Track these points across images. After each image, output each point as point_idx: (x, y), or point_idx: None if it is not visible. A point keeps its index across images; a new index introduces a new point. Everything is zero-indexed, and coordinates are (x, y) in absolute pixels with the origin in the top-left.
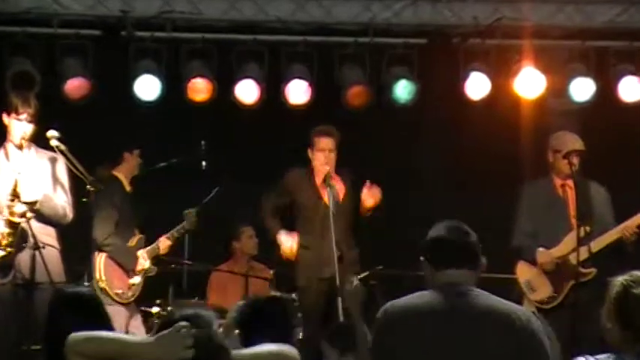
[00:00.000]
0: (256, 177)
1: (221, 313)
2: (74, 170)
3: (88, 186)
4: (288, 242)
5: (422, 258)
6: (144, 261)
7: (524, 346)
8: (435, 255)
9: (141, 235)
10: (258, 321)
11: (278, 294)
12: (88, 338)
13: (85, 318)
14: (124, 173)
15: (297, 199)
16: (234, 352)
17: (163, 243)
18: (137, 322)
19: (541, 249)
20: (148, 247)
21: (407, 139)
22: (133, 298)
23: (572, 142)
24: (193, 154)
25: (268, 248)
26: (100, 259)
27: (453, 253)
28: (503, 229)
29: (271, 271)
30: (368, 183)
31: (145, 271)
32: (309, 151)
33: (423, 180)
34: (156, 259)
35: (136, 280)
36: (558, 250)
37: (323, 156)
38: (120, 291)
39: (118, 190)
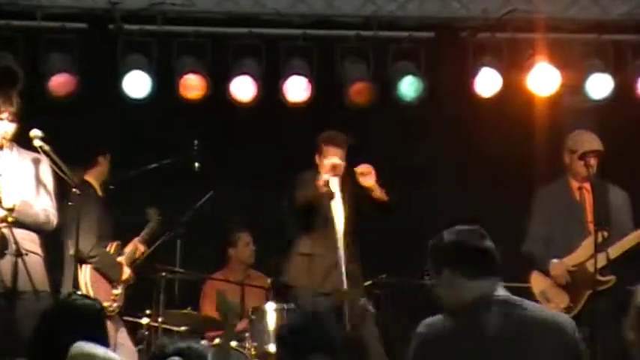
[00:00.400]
0: (253, 179)
1: (215, 324)
2: (59, 172)
3: (73, 189)
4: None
5: (443, 267)
6: (127, 269)
7: (571, 355)
8: (464, 264)
9: (117, 242)
10: None
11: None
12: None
13: (86, 332)
14: (95, 177)
15: None
16: None
17: (139, 248)
18: (123, 334)
19: (554, 260)
20: (126, 254)
21: (413, 138)
22: (118, 310)
23: (590, 142)
24: (186, 155)
25: (266, 255)
26: (85, 272)
27: (481, 260)
28: (515, 235)
29: (269, 280)
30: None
31: (127, 281)
32: (316, 156)
33: (429, 182)
34: (133, 266)
35: (119, 290)
36: (574, 257)
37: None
38: (107, 304)
39: (94, 196)
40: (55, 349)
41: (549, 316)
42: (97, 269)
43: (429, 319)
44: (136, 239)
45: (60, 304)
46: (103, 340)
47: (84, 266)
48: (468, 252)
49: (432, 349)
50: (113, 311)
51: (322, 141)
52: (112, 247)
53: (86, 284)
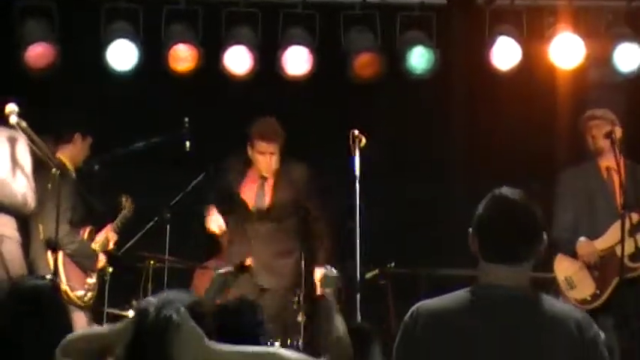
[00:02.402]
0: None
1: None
2: (37, 151)
3: (53, 170)
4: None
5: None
6: (102, 257)
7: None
8: (483, 243)
9: (91, 228)
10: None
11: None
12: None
13: (43, 316)
14: (69, 157)
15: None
16: (217, 347)
17: (111, 238)
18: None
19: (582, 239)
20: (98, 241)
21: (424, 114)
22: (92, 300)
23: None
24: (175, 134)
25: None
26: (58, 259)
27: (502, 242)
28: None
29: None
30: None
31: (103, 269)
32: (248, 147)
33: (442, 164)
34: (109, 253)
35: (94, 279)
36: (602, 242)
37: (263, 160)
38: (81, 293)
39: (67, 178)
40: (9, 334)
41: (560, 311)
42: (70, 257)
43: (426, 302)
44: (109, 226)
45: (12, 288)
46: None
47: (55, 253)
48: (487, 230)
49: (418, 334)
50: (88, 300)
51: (253, 133)
52: (85, 233)
53: (59, 272)
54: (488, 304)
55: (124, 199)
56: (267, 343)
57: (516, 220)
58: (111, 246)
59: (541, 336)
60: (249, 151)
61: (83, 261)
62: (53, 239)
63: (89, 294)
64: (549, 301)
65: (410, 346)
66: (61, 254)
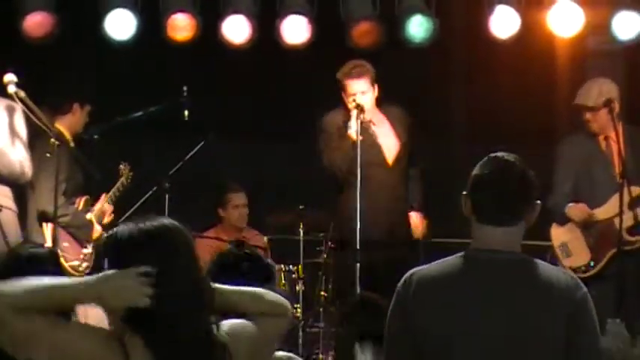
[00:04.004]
0: (247, 129)
1: None
2: (35, 121)
3: (51, 140)
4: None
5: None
6: (98, 227)
7: (574, 322)
8: (476, 204)
9: (86, 197)
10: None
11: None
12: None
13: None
14: (67, 127)
15: None
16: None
17: (107, 208)
18: None
19: (571, 204)
20: (94, 211)
21: (423, 83)
22: (88, 270)
23: (582, 95)
24: (174, 103)
25: (262, 213)
26: (50, 229)
27: (493, 203)
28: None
29: (265, 239)
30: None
31: (98, 239)
32: (342, 95)
33: (441, 134)
34: (105, 224)
35: (89, 249)
36: (601, 213)
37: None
38: (76, 263)
39: (65, 148)
40: None
41: (554, 273)
42: (65, 227)
43: (420, 268)
44: (104, 196)
45: (9, 255)
46: None
47: (49, 224)
48: (480, 190)
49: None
50: (83, 271)
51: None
52: (80, 203)
53: (53, 242)
54: (484, 268)
55: (122, 167)
56: None
57: (511, 178)
58: (106, 219)
59: (536, 296)
60: (344, 97)
61: (77, 232)
62: (47, 212)
63: (84, 264)
64: (541, 264)
65: (404, 312)
66: (53, 225)
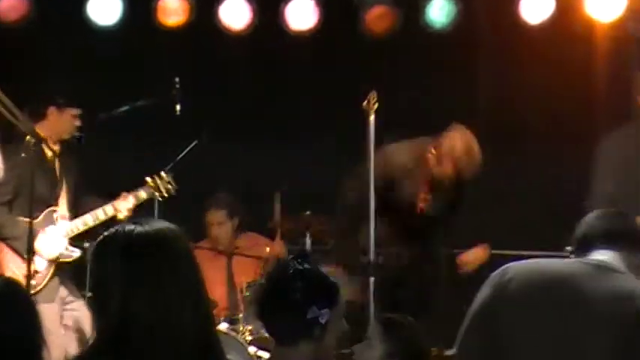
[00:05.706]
0: (246, 126)
1: None
2: (8, 115)
3: (27, 137)
4: None
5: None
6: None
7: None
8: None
9: (54, 208)
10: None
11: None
12: None
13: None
14: (48, 133)
15: None
16: None
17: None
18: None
19: None
20: (73, 224)
21: (444, 73)
22: (38, 288)
23: None
24: (164, 96)
25: (260, 218)
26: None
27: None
28: (572, 193)
29: (267, 248)
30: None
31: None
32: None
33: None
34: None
35: (41, 265)
36: None
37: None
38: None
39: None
40: None
41: (628, 286)
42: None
43: (519, 262)
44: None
45: None
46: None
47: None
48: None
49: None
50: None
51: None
52: (40, 215)
53: None
54: (587, 273)
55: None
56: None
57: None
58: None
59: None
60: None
61: (19, 246)
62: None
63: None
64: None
65: (500, 302)
66: None
